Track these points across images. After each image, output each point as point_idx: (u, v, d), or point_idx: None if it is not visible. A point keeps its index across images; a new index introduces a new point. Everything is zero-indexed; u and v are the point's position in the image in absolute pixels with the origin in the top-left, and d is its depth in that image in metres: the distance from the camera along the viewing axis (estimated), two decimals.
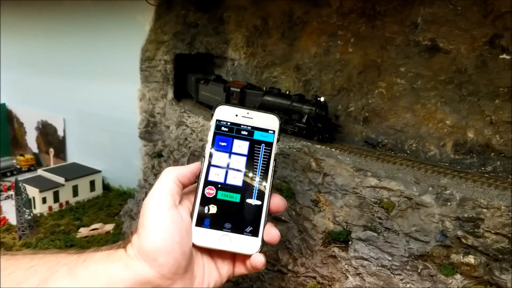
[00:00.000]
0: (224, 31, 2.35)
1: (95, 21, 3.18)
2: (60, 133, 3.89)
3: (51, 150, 4.01)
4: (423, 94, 1.66)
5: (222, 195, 0.74)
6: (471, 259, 1.24)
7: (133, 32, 2.74)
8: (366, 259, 1.41)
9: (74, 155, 3.81)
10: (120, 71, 3.05)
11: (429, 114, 1.65)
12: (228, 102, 2.05)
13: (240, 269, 0.73)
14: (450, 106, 1.60)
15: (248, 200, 0.74)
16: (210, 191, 0.74)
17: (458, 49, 1.59)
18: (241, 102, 2.03)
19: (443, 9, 1.60)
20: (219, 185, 0.74)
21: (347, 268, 1.45)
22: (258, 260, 0.71)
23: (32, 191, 3.05)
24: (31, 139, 4.22)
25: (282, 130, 1.83)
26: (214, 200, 0.73)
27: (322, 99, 1.77)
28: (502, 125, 1.51)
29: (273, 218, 1.65)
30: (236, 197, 0.74)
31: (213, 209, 0.73)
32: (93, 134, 3.52)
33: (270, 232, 0.72)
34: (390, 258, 1.37)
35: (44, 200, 3.13)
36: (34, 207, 3.07)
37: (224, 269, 0.72)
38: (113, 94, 3.17)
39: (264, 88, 2.01)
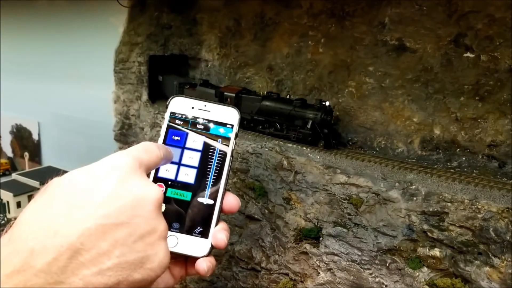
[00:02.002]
0: (197, 32, 2.36)
1: (68, 23, 3.15)
2: (35, 136, 3.84)
3: (26, 154, 3.95)
4: (391, 92, 1.70)
5: (172, 193, 0.68)
6: (436, 252, 1.27)
7: (107, 34, 2.73)
8: (336, 255, 1.44)
9: (49, 159, 3.77)
10: (94, 73, 3.03)
11: (397, 112, 1.69)
12: None
13: (192, 271, 0.68)
14: (417, 104, 1.64)
15: (200, 199, 0.68)
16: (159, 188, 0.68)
17: (424, 48, 1.63)
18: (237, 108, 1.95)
19: (409, 9, 1.64)
20: (169, 182, 0.69)
21: (318, 264, 1.47)
22: (201, 266, 0.66)
23: (6, 196, 3.02)
24: (6, 143, 4.16)
25: (284, 137, 1.78)
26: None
27: (327, 103, 1.71)
28: (467, 122, 1.55)
29: (246, 216, 1.67)
30: (186, 195, 0.68)
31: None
32: (69, 137, 3.49)
33: (216, 236, 0.67)
34: (359, 253, 1.40)
35: (18, 205, 3.09)
36: (9, 212, 3.03)
37: (176, 270, 0.68)
38: (88, 97, 3.14)
39: (261, 93, 1.91)
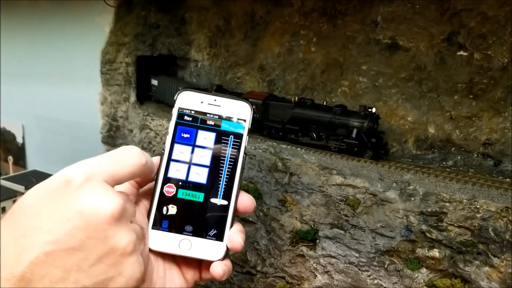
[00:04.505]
0: (186, 32, 2.32)
1: (52, 23, 3.09)
2: (19, 140, 3.76)
3: (10, 158, 3.87)
4: (384, 91, 1.69)
5: (183, 194, 0.65)
6: (435, 252, 1.26)
7: (92, 34, 2.68)
8: (333, 257, 1.42)
9: (34, 162, 3.70)
10: (80, 74, 2.97)
11: (391, 111, 1.68)
12: None
13: (206, 275, 0.65)
14: (411, 103, 1.64)
15: (213, 200, 0.65)
16: (170, 189, 0.65)
17: (417, 46, 1.62)
18: (263, 116, 1.77)
19: (402, 8, 1.63)
20: (180, 183, 0.65)
21: (315, 266, 1.45)
22: (216, 270, 0.63)
23: None
24: None
25: (323, 147, 1.63)
26: (173, 200, 0.64)
27: (373, 110, 1.57)
28: (462, 120, 1.55)
29: (241, 219, 1.64)
30: (199, 196, 0.65)
31: (172, 209, 0.64)
32: (54, 140, 3.42)
33: (232, 239, 0.64)
34: (357, 255, 1.38)
35: (3, 210, 3.02)
36: None
37: (190, 274, 0.65)
38: (73, 98, 3.08)
39: (292, 99, 1.75)
